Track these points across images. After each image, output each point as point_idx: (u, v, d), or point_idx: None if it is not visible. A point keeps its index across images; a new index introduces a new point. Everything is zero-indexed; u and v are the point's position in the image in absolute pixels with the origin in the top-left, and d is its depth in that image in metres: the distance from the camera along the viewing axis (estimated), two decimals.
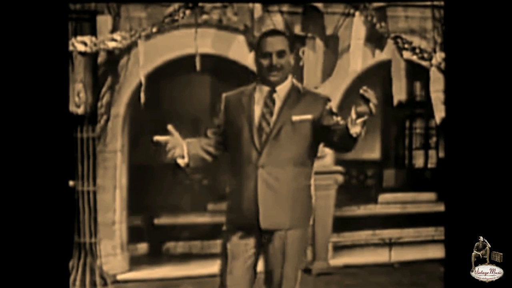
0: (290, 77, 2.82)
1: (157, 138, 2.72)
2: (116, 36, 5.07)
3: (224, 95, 2.85)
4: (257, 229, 2.75)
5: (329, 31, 5.56)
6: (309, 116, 2.75)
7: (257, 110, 2.75)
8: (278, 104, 2.76)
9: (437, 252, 5.00)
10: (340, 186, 5.98)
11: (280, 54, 2.73)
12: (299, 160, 2.77)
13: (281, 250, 2.77)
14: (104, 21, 5.23)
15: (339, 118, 2.78)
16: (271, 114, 2.75)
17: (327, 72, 5.51)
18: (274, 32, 2.84)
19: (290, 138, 2.73)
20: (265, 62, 2.74)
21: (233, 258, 2.80)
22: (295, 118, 2.74)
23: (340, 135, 2.63)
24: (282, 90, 2.78)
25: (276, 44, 2.74)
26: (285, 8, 5.58)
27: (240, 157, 2.75)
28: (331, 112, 2.79)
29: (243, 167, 2.74)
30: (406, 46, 5.40)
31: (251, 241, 2.80)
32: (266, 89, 2.78)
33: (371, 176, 7.70)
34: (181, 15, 5.10)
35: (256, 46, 2.80)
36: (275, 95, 2.77)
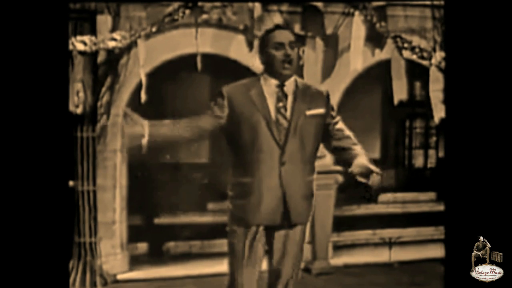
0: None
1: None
2: (116, 35, 5.07)
3: (225, 88, 2.78)
4: (279, 225, 2.77)
5: (329, 31, 5.56)
6: (321, 110, 2.80)
7: (271, 105, 2.74)
8: (290, 98, 2.76)
9: (437, 251, 5.00)
10: (340, 186, 5.98)
11: (292, 45, 2.74)
12: (308, 155, 2.80)
13: (297, 245, 2.82)
14: (104, 20, 5.23)
15: (337, 117, 2.88)
16: (285, 108, 2.74)
17: (327, 71, 5.51)
18: (281, 27, 2.85)
19: (303, 133, 2.75)
20: (278, 53, 2.72)
21: (244, 257, 2.79)
22: (309, 112, 2.75)
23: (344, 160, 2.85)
24: (289, 84, 2.79)
25: (288, 35, 2.76)
26: (284, 7, 5.58)
27: (257, 153, 2.71)
28: (331, 108, 2.87)
29: (263, 164, 2.71)
30: (405, 45, 5.41)
31: (262, 239, 2.80)
32: (273, 82, 2.76)
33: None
34: (180, 14, 5.10)
35: (264, 41, 2.79)
36: (285, 89, 2.77)
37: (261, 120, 2.71)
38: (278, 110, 2.74)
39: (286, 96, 2.76)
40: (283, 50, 2.72)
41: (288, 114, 2.74)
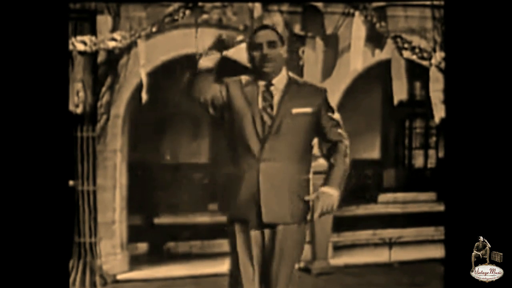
0: (284, 70, 2.84)
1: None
2: (116, 35, 5.07)
3: (226, 79, 2.84)
4: (256, 223, 2.76)
5: (329, 31, 5.57)
6: (308, 109, 2.79)
7: (260, 103, 2.78)
8: (277, 97, 2.78)
9: (437, 252, 5.00)
10: None
11: (271, 44, 2.76)
12: (299, 154, 2.79)
13: (279, 245, 2.77)
14: (104, 20, 5.24)
15: (335, 116, 2.85)
16: (271, 107, 2.76)
17: (327, 71, 5.51)
18: (264, 27, 2.88)
19: (290, 131, 2.75)
20: (256, 53, 2.77)
21: (239, 256, 2.79)
22: (295, 110, 2.76)
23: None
24: (279, 82, 2.80)
25: (266, 35, 2.78)
26: (285, 7, 5.59)
27: (240, 147, 2.75)
28: (328, 107, 2.84)
29: (243, 158, 2.74)
30: (405, 45, 5.41)
31: (257, 238, 2.79)
32: (262, 83, 2.80)
33: (371, 176, 7.71)
34: (181, 14, 5.10)
35: (249, 42, 2.83)
36: (272, 88, 2.79)
37: (248, 115, 2.75)
38: (264, 109, 2.76)
39: (272, 95, 2.78)
40: (260, 50, 2.76)
41: (274, 112, 2.76)
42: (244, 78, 2.85)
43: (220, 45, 2.79)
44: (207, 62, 2.78)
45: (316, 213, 2.72)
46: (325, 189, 2.74)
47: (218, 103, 2.79)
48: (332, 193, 2.74)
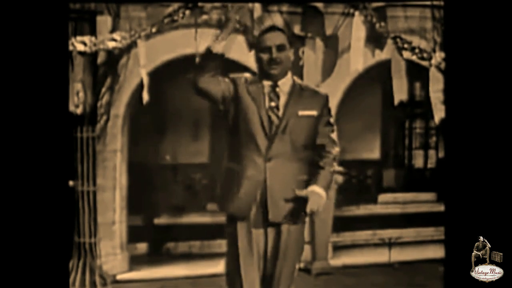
0: (290, 73, 2.86)
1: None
2: (116, 36, 5.07)
3: (232, 75, 2.84)
4: (261, 222, 2.76)
5: (329, 31, 5.56)
6: (314, 112, 2.81)
7: (266, 103, 2.79)
8: (283, 98, 2.80)
9: (437, 252, 5.00)
10: (340, 186, 5.98)
11: (280, 48, 2.77)
12: (300, 154, 2.81)
13: (284, 245, 2.78)
14: (104, 21, 5.24)
15: (332, 122, 2.87)
16: (278, 108, 2.78)
17: (327, 72, 5.51)
18: (273, 28, 2.86)
19: (294, 132, 2.77)
20: (265, 56, 2.77)
21: (239, 255, 2.78)
22: (301, 113, 2.78)
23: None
24: (284, 85, 2.82)
25: (276, 38, 2.78)
26: (284, 8, 5.59)
27: (245, 143, 2.76)
28: (328, 112, 2.87)
29: (248, 154, 2.75)
30: (405, 46, 5.41)
31: (260, 238, 2.79)
32: (268, 83, 2.80)
33: (371, 176, 7.70)
34: (180, 15, 5.10)
35: (256, 42, 2.83)
36: (278, 90, 2.80)
37: (256, 113, 2.75)
38: (270, 109, 2.77)
39: (278, 96, 2.79)
40: (269, 54, 2.76)
41: (280, 113, 2.78)
42: (248, 76, 2.85)
43: (229, 23, 2.75)
44: (218, 47, 2.71)
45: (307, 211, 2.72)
46: (314, 188, 2.74)
47: (226, 97, 2.77)
48: (321, 194, 2.74)
